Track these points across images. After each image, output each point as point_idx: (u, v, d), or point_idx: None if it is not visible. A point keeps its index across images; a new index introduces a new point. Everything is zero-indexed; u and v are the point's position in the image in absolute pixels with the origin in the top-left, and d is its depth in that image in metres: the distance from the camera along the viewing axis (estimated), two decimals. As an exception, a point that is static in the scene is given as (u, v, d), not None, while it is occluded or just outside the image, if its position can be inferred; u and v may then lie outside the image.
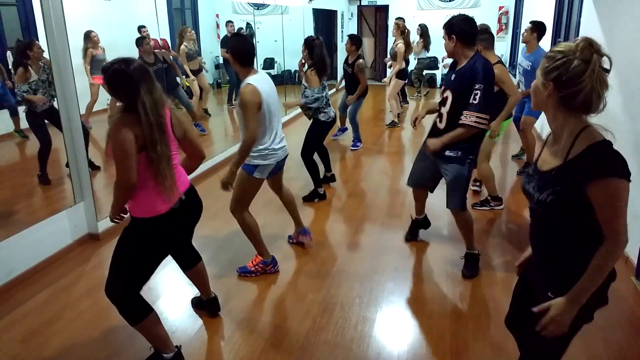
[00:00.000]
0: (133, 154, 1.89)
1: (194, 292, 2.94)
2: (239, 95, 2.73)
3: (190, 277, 2.61)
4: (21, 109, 4.08)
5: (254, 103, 2.70)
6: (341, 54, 10.84)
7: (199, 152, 2.28)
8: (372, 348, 2.44)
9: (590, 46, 1.31)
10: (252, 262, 3.15)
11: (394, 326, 2.64)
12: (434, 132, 3.04)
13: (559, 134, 1.41)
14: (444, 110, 2.93)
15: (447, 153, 2.93)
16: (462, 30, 2.80)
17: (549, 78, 1.35)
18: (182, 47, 6.43)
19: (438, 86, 11.21)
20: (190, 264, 2.57)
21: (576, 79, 1.30)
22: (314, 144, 4.46)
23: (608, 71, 1.33)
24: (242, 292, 2.99)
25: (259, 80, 2.78)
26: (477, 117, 2.75)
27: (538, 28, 4.62)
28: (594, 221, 1.35)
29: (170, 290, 3.01)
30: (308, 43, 4.15)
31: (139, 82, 1.89)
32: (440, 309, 2.77)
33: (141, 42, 5.56)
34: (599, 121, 1.39)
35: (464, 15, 2.90)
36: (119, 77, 1.90)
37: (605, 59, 1.33)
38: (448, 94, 2.91)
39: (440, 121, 2.97)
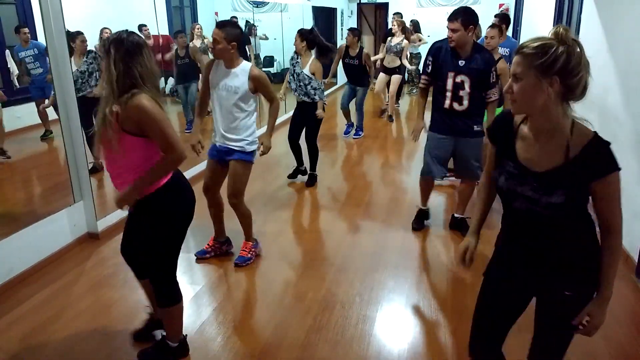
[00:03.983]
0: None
1: (194, 291, 2.94)
2: None
3: (146, 287, 2.38)
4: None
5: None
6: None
7: None
8: (372, 347, 2.44)
9: (568, 32, 1.28)
10: (245, 250, 3.23)
11: (394, 325, 2.64)
12: (449, 114, 3.32)
13: (546, 130, 1.36)
14: (464, 92, 3.21)
15: (477, 128, 3.33)
16: (477, 22, 3.19)
17: (552, 72, 1.26)
18: (191, 44, 6.45)
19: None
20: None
21: (578, 65, 1.27)
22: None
23: None
24: (242, 291, 2.99)
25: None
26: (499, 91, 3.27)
27: (504, 22, 4.71)
28: (586, 213, 1.42)
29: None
30: (303, 35, 4.40)
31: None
32: (441, 307, 2.76)
33: (176, 35, 6.01)
34: (600, 118, 1.38)
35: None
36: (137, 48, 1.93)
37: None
38: (463, 78, 3.18)
39: (461, 103, 3.25)
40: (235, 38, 2.84)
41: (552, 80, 1.27)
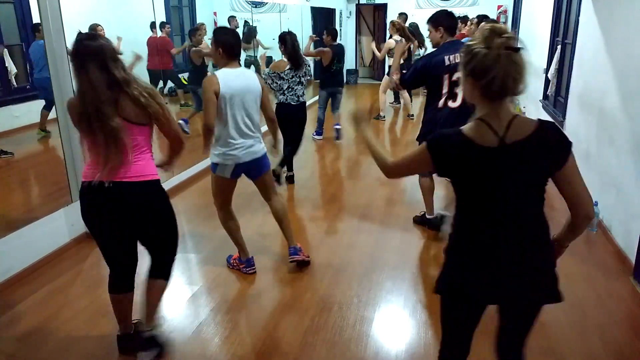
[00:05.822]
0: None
1: (191, 291, 2.93)
2: None
3: (145, 289, 2.32)
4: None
5: (208, 91, 2.70)
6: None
7: (177, 139, 2.24)
8: (370, 347, 2.44)
9: (493, 32, 1.32)
10: (234, 257, 3.21)
11: (392, 326, 2.64)
12: (451, 111, 3.35)
13: (493, 122, 1.39)
14: (458, 90, 3.29)
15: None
16: (445, 23, 3.32)
17: (466, 73, 1.39)
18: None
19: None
20: (151, 274, 2.32)
21: (487, 67, 1.31)
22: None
23: (518, 50, 1.31)
24: (239, 291, 2.99)
25: (228, 73, 2.75)
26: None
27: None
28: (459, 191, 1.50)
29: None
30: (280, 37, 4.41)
31: (86, 62, 1.90)
32: (439, 308, 2.76)
33: (194, 32, 5.87)
34: (598, 120, 1.38)
35: (447, 10, 3.45)
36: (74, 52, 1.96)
37: (509, 39, 1.31)
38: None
39: (455, 100, 3.31)
40: (219, 44, 2.74)
41: (467, 79, 1.40)
